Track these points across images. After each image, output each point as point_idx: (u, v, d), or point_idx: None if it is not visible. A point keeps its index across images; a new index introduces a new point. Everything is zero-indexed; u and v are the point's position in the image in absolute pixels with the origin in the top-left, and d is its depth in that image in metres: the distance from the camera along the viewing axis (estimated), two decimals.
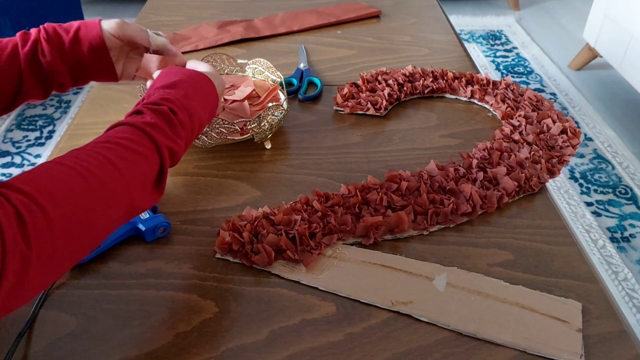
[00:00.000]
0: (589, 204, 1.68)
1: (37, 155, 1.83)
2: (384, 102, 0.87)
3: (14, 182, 0.40)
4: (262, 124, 0.76)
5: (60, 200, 0.41)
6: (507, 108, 0.86)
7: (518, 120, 0.83)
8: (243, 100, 0.85)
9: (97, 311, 0.55)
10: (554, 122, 0.83)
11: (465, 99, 0.92)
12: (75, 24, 0.66)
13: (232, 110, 0.82)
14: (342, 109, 0.88)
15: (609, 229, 1.60)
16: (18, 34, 0.64)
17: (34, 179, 0.41)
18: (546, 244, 0.64)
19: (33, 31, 0.64)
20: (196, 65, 0.69)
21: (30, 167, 1.87)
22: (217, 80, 0.66)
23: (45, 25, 0.65)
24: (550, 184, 1.46)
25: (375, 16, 1.22)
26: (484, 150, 0.76)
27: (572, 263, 0.61)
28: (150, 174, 0.51)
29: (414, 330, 0.54)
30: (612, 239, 1.56)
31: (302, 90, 0.93)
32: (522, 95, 0.91)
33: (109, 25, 0.65)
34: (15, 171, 1.77)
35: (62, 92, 0.69)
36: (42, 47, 0.63)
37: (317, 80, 0.95)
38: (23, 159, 1.82)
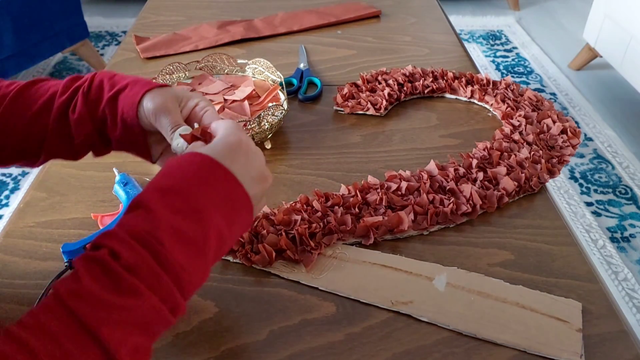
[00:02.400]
0: (589, 204, 1.68)
1: None
2: (384, 102, 0.87)
3: None
4: (262, 124, 0.76)
5: None
6: (507, 108, 0.86)
7: (518, 120, 0.83)
8: (243, 100, 0.85)
9: None
10: (554, 122, 0.83)
11: (465, 99, 0.92)
12: (127, 80, 0.51)
13: (232, 110, 0.82)
14: (342, 109, 0.88)
15: (609, 229, 1.60)
16: (67, 79, 0.53)
17: None
18: (546, 244, 0.64)
19: (86, 77, 0.52)
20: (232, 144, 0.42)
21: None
22: (255, 183, 0.42)
23: (96, 75, 0.52)
24: (550, 184, 1.46)
25: (375, 16, 1.22)
26: (484, 150, 0.76)
27: (572, 263, 0.61)
28: None
29: (414, 330, 0.54)
30: (612, 239, 1.56)
31: (302, 90, 0.93)
32: (522, 95, 0.91)
33: (149, 103, 0.49)
34: (15, 171, 1.77)
35: (98, 157, 0.55)
36: (76, 101, 0.51)
37: (317, 80, 0.95)
38: None
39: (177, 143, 0.48)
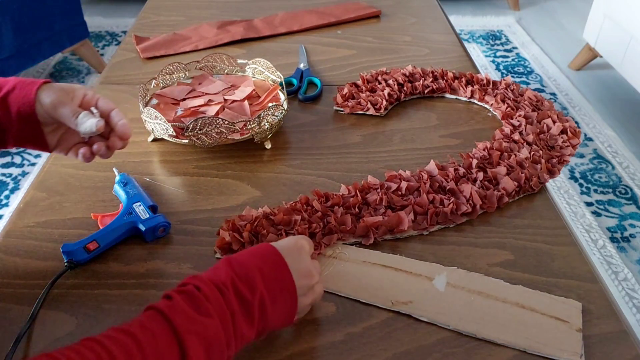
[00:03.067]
0: (589, 204, 1.68)
1: (37, 156, 1.83)
2: (384, 102, 0.87)
3: None
4: (262, 124, 0.76)
5: None
6: (507, 108, 0.86)
7: (518, 120, 0.83)
8: (243, 100, 0.85)
9: (97, 311, 0.55)
10: (554, 122, 0.83)
11: (465, 99, 0.92)
12: (11, 82, 0.58)
13: (232, 110, 0.82)
14: (342, 109, 0.88)
15: (609, 229, 1.60)
16: None
17: None
18: (546, 244, 0.64)
19: None
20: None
21: (30, 167, 1.85)
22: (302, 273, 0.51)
23: None
24: (550, 184, 1.46)
25: (375, 16, 1.22)
26: (484, 150, 0.76)
27: (572, 263, 0.61)
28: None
29: (414, 330, 0.54)
30: (612, 239, 1.56)
31: (302, 90, 0.93)
32: (522, 95, 0.91)
33: (46, 99, 0.57)
34: (15, 171, 1.77)
35: None
36: None
37: (317, 80, 0.95)
38: (23, 159, 1.82)
39: (84, 127, 0.57)
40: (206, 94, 0.86)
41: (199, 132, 0.73)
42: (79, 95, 0.59)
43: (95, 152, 0.61)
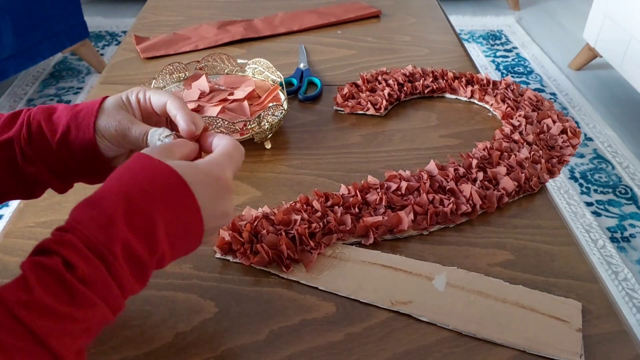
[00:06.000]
0: (589, 204, 1.68)
1: None
2: (384, 102, 0.87)
3: None
4: (262, 124, 0.76)
5: None
6: (507, 108, 0.86)
7: (518, 120, 0.83)
8: (243, 100, 0.85)
9: None
10: (554, 122, 0.83)
11: (465, 99, 0.92)
12: (64, 120, 0.48)
13: (232, 110, 0.82)
14: (342, 109, 0.88)
15: (609, 229, 1.60)
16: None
17: None
18: (546, 244, 0.64)
19: (15, 126, 0.48)
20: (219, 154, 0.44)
21: None
22: (212, 191, 0.41)
23: (31, 117, 0.48)
24: (550, 184, 1.46)
25: (375, 16, 1.22)
26: (484, 150, 0.76)
27: (572, 263, 0.61)
28: None
29: (414, 330, 0.54)
30: (612, 239, 1.56)
31: (302, 90, 0.93)
32: (522, 95, 0.91)
33: (105, 128, 0.47)
34: None
35: (60, 193, 0.54)
36: (21, 150, 0.48)
37: (317, 80, 0.95)
38: None
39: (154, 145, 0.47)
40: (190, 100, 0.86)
41: None
42: (139, 97, 0.49)
43: None
